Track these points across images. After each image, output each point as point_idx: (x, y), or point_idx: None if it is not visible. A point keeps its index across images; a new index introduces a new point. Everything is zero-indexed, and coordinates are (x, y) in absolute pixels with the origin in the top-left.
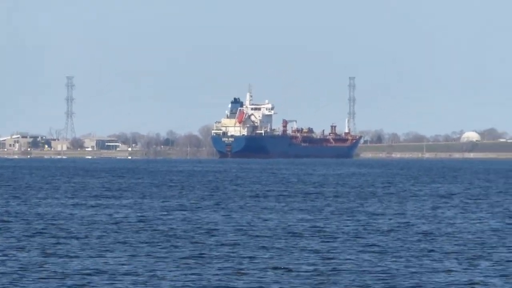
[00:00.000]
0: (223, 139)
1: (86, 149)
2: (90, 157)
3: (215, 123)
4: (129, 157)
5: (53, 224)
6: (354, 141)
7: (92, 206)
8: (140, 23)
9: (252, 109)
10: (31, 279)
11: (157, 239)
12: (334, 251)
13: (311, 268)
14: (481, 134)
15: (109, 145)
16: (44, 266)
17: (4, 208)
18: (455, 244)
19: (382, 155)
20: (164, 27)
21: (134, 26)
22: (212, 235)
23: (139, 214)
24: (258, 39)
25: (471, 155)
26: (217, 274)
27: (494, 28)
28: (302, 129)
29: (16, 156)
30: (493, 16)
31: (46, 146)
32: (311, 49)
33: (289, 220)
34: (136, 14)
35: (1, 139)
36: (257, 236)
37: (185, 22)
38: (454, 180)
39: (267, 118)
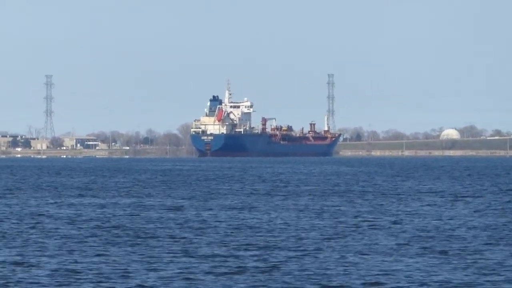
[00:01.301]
0: (202, 138)
1: (66, 148)
2: (68, 156)
3: (194, 121)
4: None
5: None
6: (333, 139)
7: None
8: (118, 22)
9: (231, 107)
10: None
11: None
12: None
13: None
14: (461, 131)
15: (89, 144)
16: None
17: None
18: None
19: (362, 153)
20: (142, 26)
21: (113, 25)
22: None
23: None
24: (237, 36)
25: (451, 152)
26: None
27: (469, 26)
28: (281, 127)
29: None
30: (469, 14)
31: (17, 149)
32: (290, 46)
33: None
34: (114, 14)
35: None
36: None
37: (164, 21)
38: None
39: (246, 116)
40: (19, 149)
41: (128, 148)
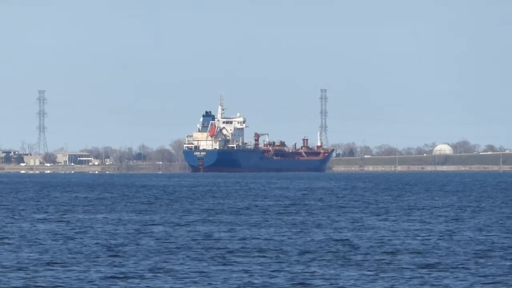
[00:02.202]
0: (195, 153)
1: (59, 163)
2: (61, 171)
3: (187, 137)
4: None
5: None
6: (326, 154)
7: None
8: (110, 37)
9: (223, 122)
10: None
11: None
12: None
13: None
14: (454, 146)
15: (82, 160)
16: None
17: None
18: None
19: (355, 168)
20: (133, 41)
21: (105, 41)
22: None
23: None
24: (229, 52)
25: (444, 167)
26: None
27: (462, 41)
28: (274, 142)
29: None
30: (464, 29)
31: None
32: (283, 61)
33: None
34: (106, 29)
35: None
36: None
37: (156, 37)
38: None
39: (239, 132)
40: (11, 165)
41: (120, 164)
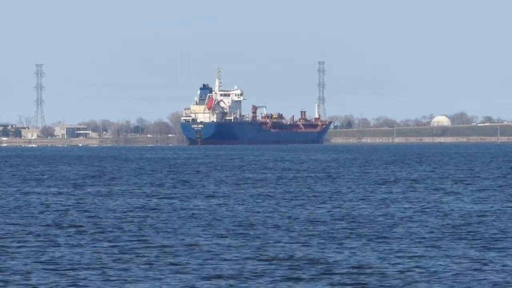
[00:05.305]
0: (192, 126)
1: (56, 137)
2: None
3: (184, 109)
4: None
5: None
6: (324, 126)
7: None
8: (109, 11)
9: (221, 95)
10: None
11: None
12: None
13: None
14: (451, 118)
15: (79, 133)
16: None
17: None
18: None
19: (352, 140)
20: (131, 13)
21: (102, 13)
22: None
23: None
24: (227, 25)
25: (442, 139)
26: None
27: (463, 14)
28: (271, 115)
29: None
30: (460, 4)
31: (3, 138)
32: (281, 34)
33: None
34: (105, 3)
35: None
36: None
37: (155, 10)
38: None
39: (236, 104)
40: (5, 138)
41: (118, 137)
